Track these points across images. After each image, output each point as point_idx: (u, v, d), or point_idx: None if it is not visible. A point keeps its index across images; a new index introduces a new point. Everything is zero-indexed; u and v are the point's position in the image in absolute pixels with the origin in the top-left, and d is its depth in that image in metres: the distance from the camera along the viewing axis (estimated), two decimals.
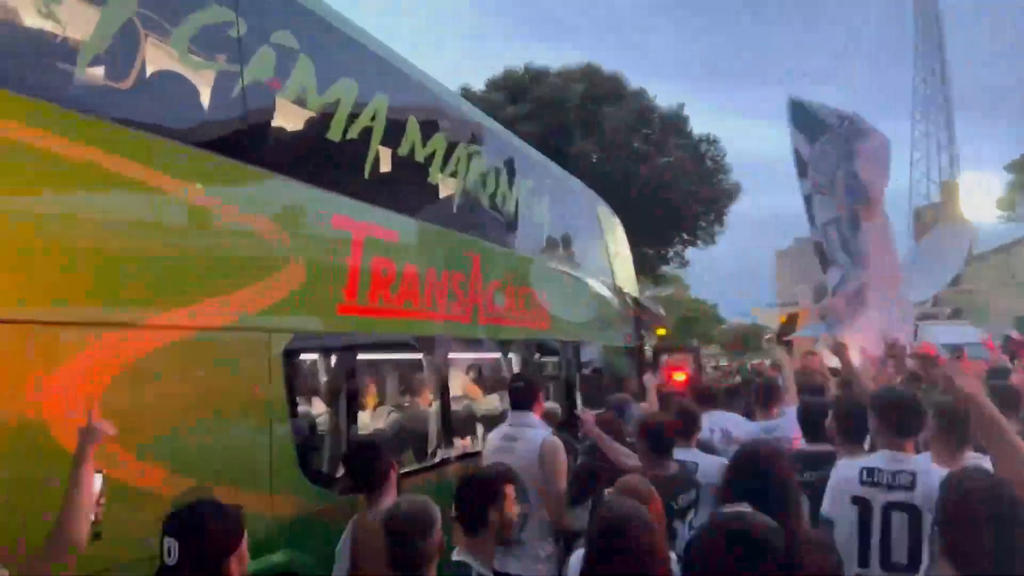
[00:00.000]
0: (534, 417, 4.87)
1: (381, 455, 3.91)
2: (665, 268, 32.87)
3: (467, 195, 6.78)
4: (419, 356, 5.96)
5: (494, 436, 4.91)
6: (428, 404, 6.07)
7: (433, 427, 5.93)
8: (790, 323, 27.72)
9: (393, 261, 5.34)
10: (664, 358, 13.47)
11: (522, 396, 4.94)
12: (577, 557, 3.09)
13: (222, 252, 3.90)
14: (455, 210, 6.56)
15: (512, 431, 4.79)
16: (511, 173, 7.71)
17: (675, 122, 27.49)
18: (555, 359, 8.74)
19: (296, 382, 4.48)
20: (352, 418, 4.82)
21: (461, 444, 6.35)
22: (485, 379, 7.66)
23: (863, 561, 3.47)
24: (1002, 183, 45.70)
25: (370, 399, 5.88)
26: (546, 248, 8.69)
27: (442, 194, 6.39)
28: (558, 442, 4.69)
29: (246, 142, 4.15)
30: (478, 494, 3.31)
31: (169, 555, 2.40)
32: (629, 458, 4.51)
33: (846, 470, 3.64)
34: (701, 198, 27.37)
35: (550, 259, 8.75)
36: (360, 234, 4.97)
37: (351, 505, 4.53)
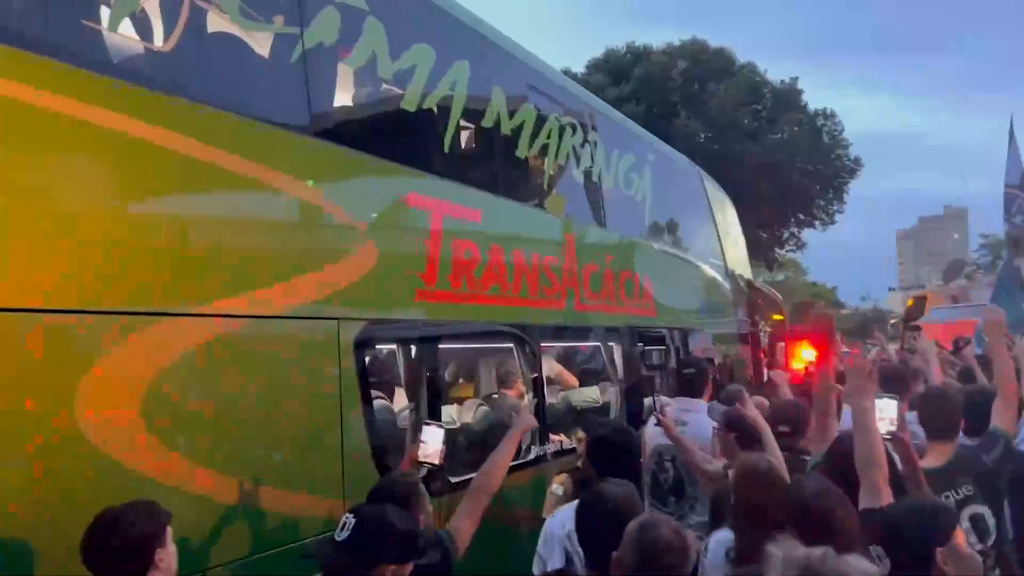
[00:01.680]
0: (701, 403, 5.13)
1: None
2: (780, 252, 31.33)
3: (559, 171, 6.28)
4: (509, 345, 5.52)
5: (654, 421, 4.87)
6: (520, 396, 5.63)
7: None
8: (917, 307, 25.89)
9: (476, 243, 4.92)
10: (780, 346, 12.55)
11: (692, 383, 5.25)
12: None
13: (283, 233, 3.57)
14: (546, 187, 6.08)
15: (679, 415, 4.89)
16: (609, 148, 7.16)
17: (788, 96, 26.00)
18: (660, 348, 8.12)
19: (371, 374, 4.12)
20: (435, 412, 4.42)
21: (557, 440, 5.89)
22: (583, 369, 7.15)
23: None
24: None
25: (456, 391, 5.49)
26: (649, 228, 8.08)
27: (532, 170, 5.93)
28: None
29: (312, 113, 3.81)
30: None
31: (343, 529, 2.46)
32: (708, 464, 4.31)
33: None
34: (818, 176, 25.81)
35: (653, 240, 8.14)
36: (439, 213, 4.56)
37: (440, 505, 4.16)
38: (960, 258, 48.71)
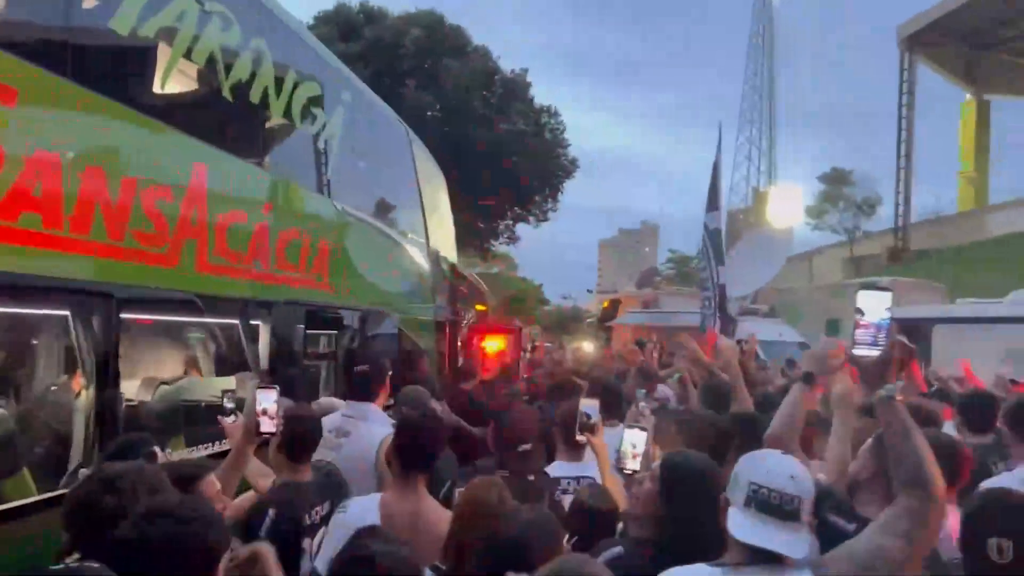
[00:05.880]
0: (373, 409, 4.23)
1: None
2: (495, 243, 31.34)
3: (196, 75, 4.45)
4: (64, 313, 3.60)
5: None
6: (76, 392, 3.73)
7: (79, 428, 3.60)
8: (611, 309, 27.29)
9: (5, 144, 2.98)
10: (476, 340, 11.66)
11: (364, 384, 4.30)
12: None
13: None
14: (164, 90, 4.22)
15: (343, 423, 4.09)
16: (284, 66, 5.43)
17: (517, 87, 25.78)
18: (333, 333, 6.57)
19: None
20: None
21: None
22: (206, 355, 5.36)
23: None
24: (813, 193, 48.14)
25: None
26: (332, 181, 6.45)
27: (144, 61, 4.05)
28: None
29: None
30: None
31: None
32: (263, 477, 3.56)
33: None
34: (538, 171, 25.90)
35: (336, 198, 6.51)
36: None
37: None
38: (652, 267, 53.49)
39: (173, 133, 4.18)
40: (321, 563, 2.94)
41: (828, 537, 2.38)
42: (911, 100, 46.24)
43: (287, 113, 5.51)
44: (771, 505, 2.08)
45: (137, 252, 3.82)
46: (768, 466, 2.15)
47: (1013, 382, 7.43)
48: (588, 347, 15.51)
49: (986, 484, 3.31)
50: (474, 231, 27.38)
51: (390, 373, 4.55)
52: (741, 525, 2.10)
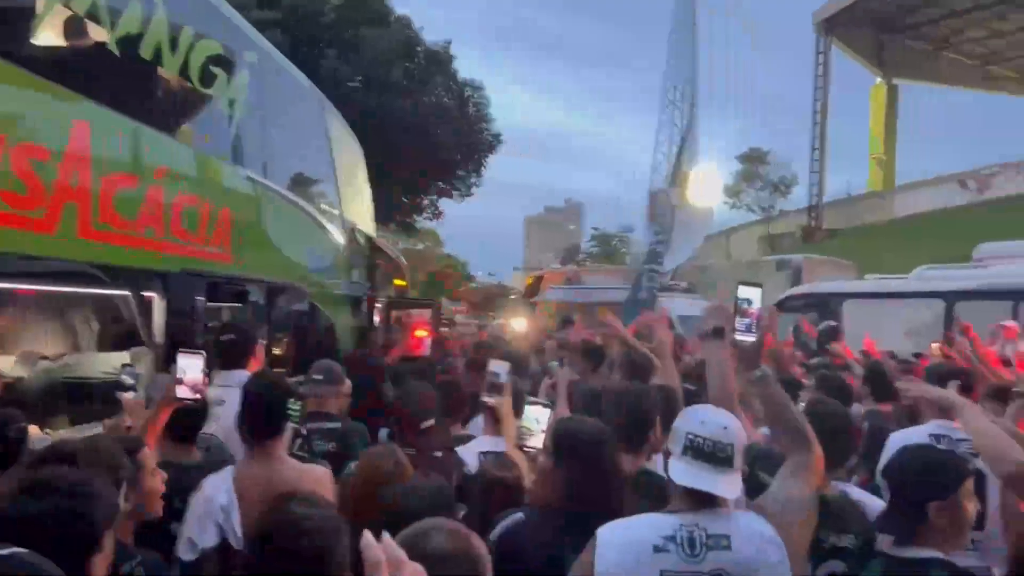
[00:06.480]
0: (248, 377, 3.87)
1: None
2: (419, 219, 30.98)
3: (74, 23, 4.12)
4: None
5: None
6: None
7: None
8: (535, 285, 27.47)
9: None
10: (396, 314, 11.45)
11: (232, 352, 4.30)
12: None
13: None
14: (39, 41, 3.89)
15: (218, 393, 3.93)
16: (180, 21, 5.10)
17: (440, 60, 25.37)
18: (237, 306, 6.29)
19: None
20: None
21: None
22: (96, 328, 5.05)
23: None
24: (731, 173, 49.29)
25: None
26: (232, 146, 6.12)
27: (16, 8, 3.72)
28: None
29: None
30: None
31: None
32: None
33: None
34: (461, 145, 25.61)
35: (239, 162, 6.19)
36: None
37: None
38: (575, 244, 54.05)
39: (49, 88, 3.86)
40: (181, 545, 2.83)
41: (755, 489, 2.64)
42: (825, 83, 47.62)
43: (184, 72, 5.19)
44: (705, 452, 2.26)
45: (7, 216, 3.52)
46: (702, 417, 2.35)
47: (918, 355, 7.72)
48: (517, 324, 15.25)
49: (895, 435, 3.60)
50: (397, 206, 26.99)
51: (262, 341, 4.50)
52: (679, 470, 2.28)
